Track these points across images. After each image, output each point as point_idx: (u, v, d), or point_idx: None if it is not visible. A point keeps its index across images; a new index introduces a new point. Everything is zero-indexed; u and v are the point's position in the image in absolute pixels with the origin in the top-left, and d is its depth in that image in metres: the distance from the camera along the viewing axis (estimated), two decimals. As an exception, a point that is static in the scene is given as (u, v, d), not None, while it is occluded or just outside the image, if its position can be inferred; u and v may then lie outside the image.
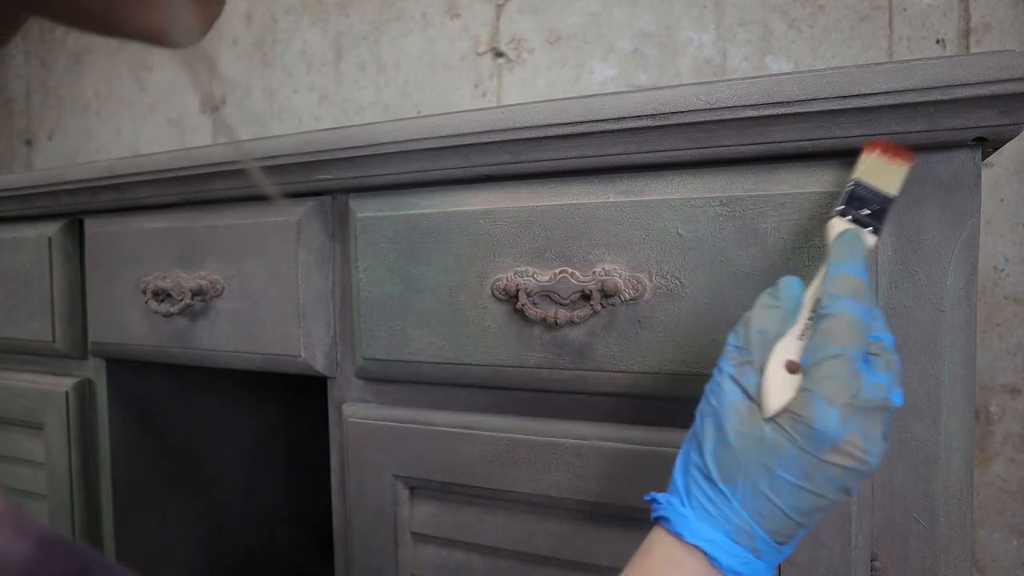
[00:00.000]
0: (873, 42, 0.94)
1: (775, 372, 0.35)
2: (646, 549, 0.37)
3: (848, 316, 0.35)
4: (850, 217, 0.40)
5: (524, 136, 0.51)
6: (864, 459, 0.33)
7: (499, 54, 1.16)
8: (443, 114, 0.54)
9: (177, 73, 1.46)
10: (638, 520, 0.49)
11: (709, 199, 0.48)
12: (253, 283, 0.67)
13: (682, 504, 0.36)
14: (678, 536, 0.35)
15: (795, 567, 0.46)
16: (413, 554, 0.62)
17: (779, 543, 0.35)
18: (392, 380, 0.62)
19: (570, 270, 0.52)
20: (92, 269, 0.79)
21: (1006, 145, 0.56)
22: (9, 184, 0.81)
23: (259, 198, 0.67)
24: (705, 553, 0.34)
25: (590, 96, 0.49)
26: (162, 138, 1.50)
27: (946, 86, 0.40)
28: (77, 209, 0.79)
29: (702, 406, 0.38)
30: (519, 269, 0.54)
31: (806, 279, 0.40)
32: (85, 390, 0.83)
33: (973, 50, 0.90)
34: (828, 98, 0.42)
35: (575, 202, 0.52)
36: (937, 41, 0.91)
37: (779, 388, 0.35)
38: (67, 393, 0.82)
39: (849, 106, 0.42)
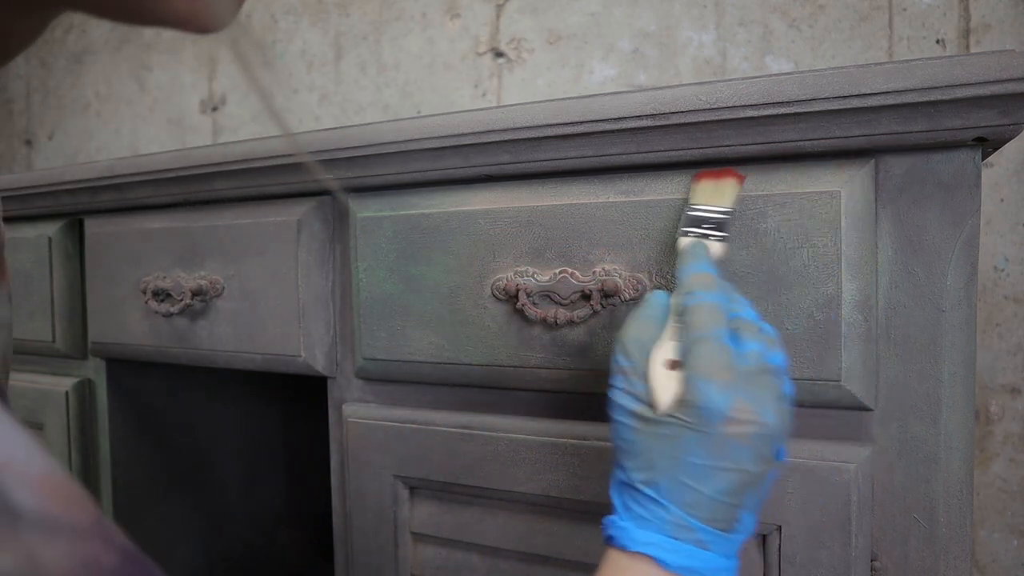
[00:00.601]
0: (873, 42, 0.94)
1: (659, 372, 0.38)
2: (599, 570, 0.38)
3: (705, 303, 0.38)
4: (691, 236, 0.45)
5: (524, 136, 0.51)
6: (758, 420, 0.35)
7: (499, 54, 1.16)
8: (443, 114, 0.54)
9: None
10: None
11: (709, 199, 0.48)
12: (253, 283, 0.67)
13: (621, 519, 0.38)
14: (623, 548, 0.36)
15: (795, 567, 0.46)
16: (413, 554, 0.62)
17: (723, 530, 0.36)
18: (392, 380, 0.62)
19: (570, 270, 0.52)
20: (92, 269, 0.79)
21: (1006, 145, 0.56)
22: (9, 184, 0.81)
23: (259, 198, 0.67)
24: (652, 557, 0.35)
25: (590, 96, 0.49)
26: (162, 138, 1.50)
27: (946, 86, 0.40)
28: (77, 209, 0.79)
29: (611, 427, 0.40)
30: (519, 269, 0.54)
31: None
32: (85, 390, 0.83)
33: (973, 50, 0.90)
34: (828, 98, 0.42)
35: (575, 202, 0.52)
36: (937, 41, 0.91)
37: (665, 385, 0.37)
38: (67, 393, 0.82)
39: (849, 106, 0.42)
